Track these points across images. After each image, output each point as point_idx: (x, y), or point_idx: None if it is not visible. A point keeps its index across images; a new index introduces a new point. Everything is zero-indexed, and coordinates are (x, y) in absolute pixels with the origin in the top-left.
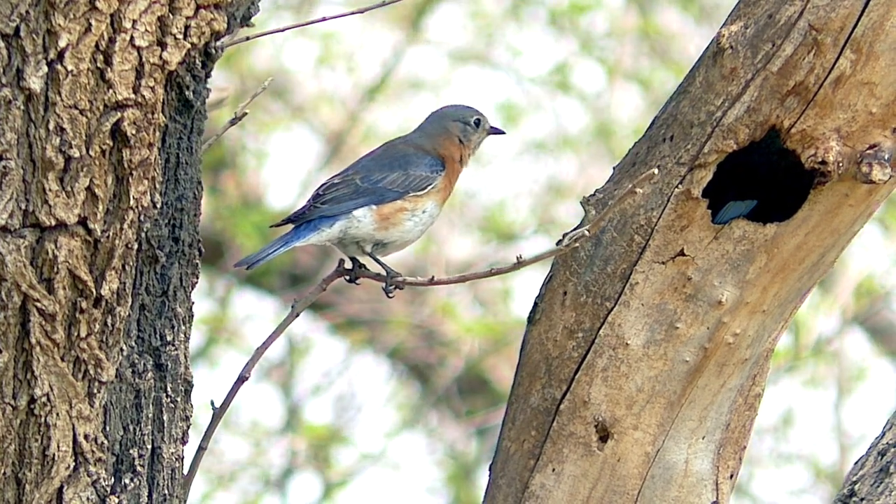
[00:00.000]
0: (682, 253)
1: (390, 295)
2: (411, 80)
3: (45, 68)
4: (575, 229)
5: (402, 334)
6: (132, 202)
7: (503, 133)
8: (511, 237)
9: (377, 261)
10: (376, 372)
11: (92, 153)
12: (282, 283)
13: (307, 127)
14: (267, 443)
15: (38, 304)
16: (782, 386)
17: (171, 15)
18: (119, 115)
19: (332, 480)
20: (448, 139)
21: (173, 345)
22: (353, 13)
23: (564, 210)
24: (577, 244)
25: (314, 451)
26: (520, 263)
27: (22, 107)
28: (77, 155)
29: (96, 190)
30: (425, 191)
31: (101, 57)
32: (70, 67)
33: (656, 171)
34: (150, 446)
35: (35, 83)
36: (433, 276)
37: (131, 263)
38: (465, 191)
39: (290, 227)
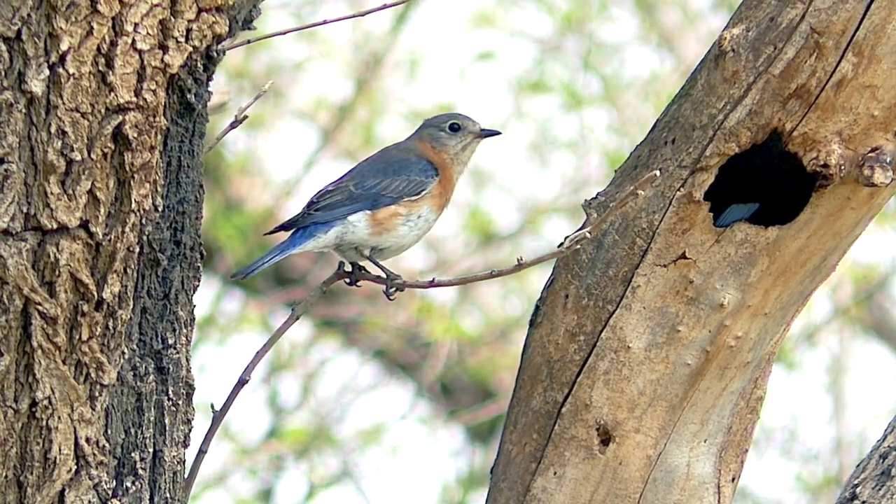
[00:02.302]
0: (683, 256)
1: (391, 298)
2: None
3: (47, 71)
4: (576, 232)
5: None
6: (134, 205)
7: (497, 134)
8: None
9: (377, 264)
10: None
11: (93, 156)
12: (270, 285)
13: (300, 121)
14: (253, 447)
15: (40, 308)
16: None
17: (172, 18)
18: (121, 118)
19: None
20: (424, 145)
21: (175, 348)
22: (354, 16)
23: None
24: (577, 246)
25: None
26: (520, 266)
27: (23, 110)
28: (78, 158)
29: (98, 193)
30: (419, 196)
31: (102, 60)
32: (72, 71)
33: (657, 173)
34: (151, 449)
35: (37, 86)
36: (433, 279)
37: (133, 267)
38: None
39: (283, 234)
